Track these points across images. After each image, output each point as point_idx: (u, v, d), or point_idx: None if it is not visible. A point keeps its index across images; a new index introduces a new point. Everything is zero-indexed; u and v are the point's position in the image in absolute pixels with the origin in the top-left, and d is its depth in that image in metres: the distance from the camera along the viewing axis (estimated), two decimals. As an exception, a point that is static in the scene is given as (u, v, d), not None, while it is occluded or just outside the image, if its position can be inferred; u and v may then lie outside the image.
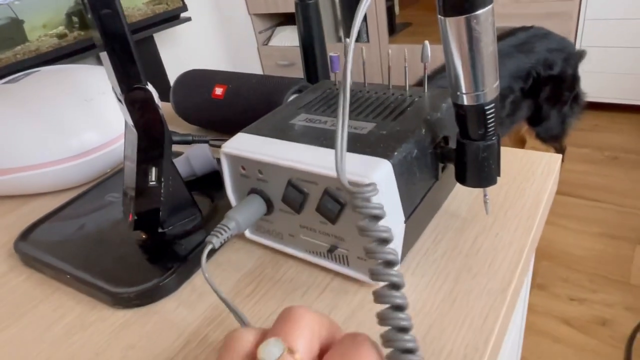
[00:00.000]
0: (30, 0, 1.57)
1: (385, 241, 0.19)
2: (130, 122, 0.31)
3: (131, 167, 0.34)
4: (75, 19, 1.68)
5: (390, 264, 0.19)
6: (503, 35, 1.23)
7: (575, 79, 1.27)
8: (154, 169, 0.33)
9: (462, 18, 0.22)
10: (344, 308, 0.27)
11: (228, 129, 0.48)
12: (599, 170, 1.58)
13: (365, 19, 2.30)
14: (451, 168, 0.31)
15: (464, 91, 0.25)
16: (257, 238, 0.33)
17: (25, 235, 0.38)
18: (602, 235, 1.32)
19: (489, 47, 0.23)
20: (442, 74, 1.21)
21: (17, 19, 1.57)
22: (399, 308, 0.18)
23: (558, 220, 1.40)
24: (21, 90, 0.47)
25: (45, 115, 0.44)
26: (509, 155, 0.39)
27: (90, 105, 0.46)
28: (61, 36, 1.65)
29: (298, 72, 2.55)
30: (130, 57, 0.29)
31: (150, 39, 1.91)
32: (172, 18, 1.90)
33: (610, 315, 1.09)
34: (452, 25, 0.23)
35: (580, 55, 1.27)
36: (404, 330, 0.18)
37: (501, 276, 0.27)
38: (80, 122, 0.45)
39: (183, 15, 1.97)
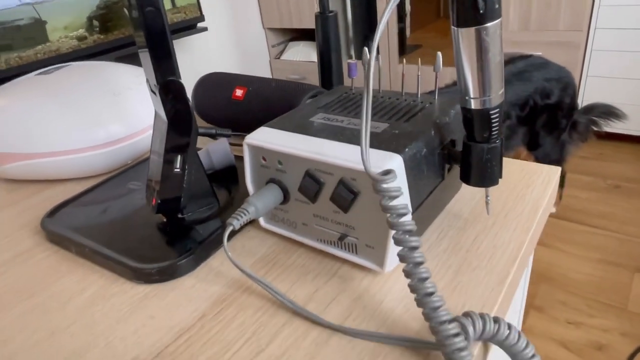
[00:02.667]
0: (55, 3, 1.62)
1: (404, 214, 0.22)
2: (162, 112, 0.34)
3: (156, 160, 0.36)
4: (95, 22, 1.73)
5: (410, 232, 0.21)
6: (504, 63, 1.27)
7: (572, 107, 1.30)
8: (179, 157, 0.35)
9: (473, 29, 0.25)
10: (351, 292, 0.29)
11: (246, 129, 0.51)
12: (601, 198, 1.60)
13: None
14: (456, 170, 0.34)
15: (471, 96, 0.27)
16: (271, 227, 0.35)
17: (52, 213, 0.40)
18: (602, 262, 1.33)
19: (496, 56, 0.26)
20: (448, 89, 1.25)
21: (40, 19, 1.62)
22: (418, 264, 0.20)
23: (559, 244, 1.42)
24: (54, 81, 0.49)
25: (75, 106, 0.47)
26: (511, 165, 0.41)
27: (117, 99, 0.49)
28: (81, 38, 1.70)
29: (308, 86, 2.59)
30: (168, 52, 0.32)
31: (167, 46, 1.95)
32: (189, 27, 1.96)
33: (607, 340, 1.09)
34: (464, 36, 0.25)
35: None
36: (425, 279, 0.20)
37: (499, 270, 0.29)
38: (107, 114, 0.48)
39: (200, 25, 2.02)
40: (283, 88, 0.48)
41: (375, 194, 0.27)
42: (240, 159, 0.46)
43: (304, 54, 2.58)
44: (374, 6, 2.24)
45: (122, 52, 1.75)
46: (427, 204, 0.31)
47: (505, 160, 0.42)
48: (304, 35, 2.68)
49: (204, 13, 2.16)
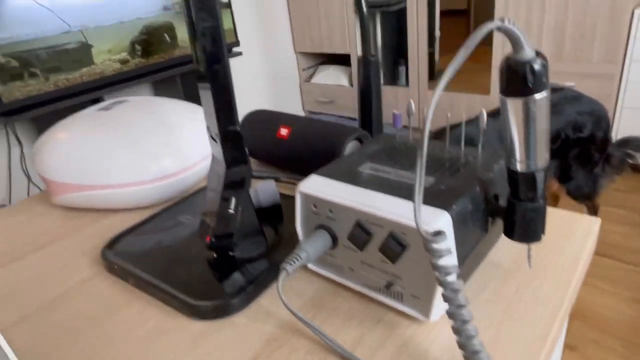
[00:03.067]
0: (101, 27, 1.71)
1: (451, 273, 0.23)
2: (220, 157, 0.37)
3: (213, 197, 0.39)
4: (138, 46, 1.82)
5: (456, 290, 0.23)
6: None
7: (606, 141, 1.29)
8: (233, 199, 0.38)
9: (521, 100, 0.26)
10: (397, 339, 0.31)
11: (290, 166, 0.53)
12: (636, 233, 1.56)
13: (405, 63, 2.38)
14: (498, 222, 0.35)
15: (517, 159, 0.29)
16: (318, 269, 0.37)
17: (111, 245, 0.43)
18: (637, 301, 1.29)
19: (542, 124, 0.27)
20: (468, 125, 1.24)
21: (86, 43, 1.71)
22: (465, 322, 0.22)
23: (593, 280, 1.38)
24: (113, 117, 0.53)
25: (132, 142, 0.51)
26: (551, 215, 0.42)
27: (170, 136, 0.52)
28: (123, 62, 1.78)
29: (337, 109, 2.63)
30: (230, 105, 0.35)
31: (203, 70, 2.02)
32: (226, 52, 2.02)
33: (643, 384, 1.05)
34: (512, 105, 0.27)
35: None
36: (472, 336, 0.21)
37: (542, 324, 0.30)
38: (160, 150, 0.51)
39: (235, 49, 2.10)
40: (326, 129, 0.51)
41: (424, 249, 0.28)
42: (284, 196, 0.48)
43: (334, 77, 2.63)
44: (404, 32, 2.28)
45: (160, 76, 1.83)
46: (471, 257, 0.32)
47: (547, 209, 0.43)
48: (333, 59, 2.74)
49: (239, 38, 2.24)
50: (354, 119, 2.61)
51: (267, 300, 0.36)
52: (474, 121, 1.27)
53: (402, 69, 2.52)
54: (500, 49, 1.96)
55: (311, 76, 2.76)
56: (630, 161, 1.38)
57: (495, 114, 1.24)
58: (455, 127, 1.19)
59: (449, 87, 2.28)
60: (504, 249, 0.38)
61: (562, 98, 1.25)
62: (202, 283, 0.37)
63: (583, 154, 1.27)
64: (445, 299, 0.26)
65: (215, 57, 0.33)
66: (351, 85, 2.56)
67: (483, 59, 2.04)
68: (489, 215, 0.33)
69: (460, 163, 0.35)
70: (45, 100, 1.55)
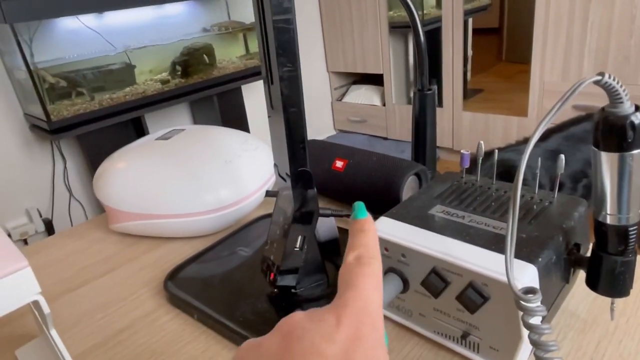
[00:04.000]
0: (144, 49, 1.77)
1: (545, 332, 0.22)
2: (289, 196, 0.37)
3: (276, 237, 0.39)
4: (178, 67, 1.88)
5: (550, 349, 0.22)
6: (579, 120, 1.24)
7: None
8: (300, 237, 0.38)
9: (616, 155, 0.25)
10: (474, 393, 0.30)
11: (345, 199, 0.53)
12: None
13: (438, 82, 2.37)
14: (579, 272, 0.34)
15: (609, 212, 0.27)
16: (387, 313, 0.36)
17: (172, 276, 0.44)
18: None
19: (638, 179, 0.26)
20: (515, 147, 1.22)
21: (130, 64, 1.77)
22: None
23: None
24: (171, 146, 0.54)
25: (190, 172, 0.51)
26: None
27: (228, 166, 0.53)
28: (164, 82, 1.84)
29: (369, 128, 2.63)
30: (303, 148, 0.35)
31: (238, 90, 2.07)
32: (259, 73, 2.06)
33: None
34: (607, 159, 0.26)
35: None
36: None
37: (631, 386, 0.29)
38: (217, 181, 0.52)
39: (271, 70, 2.13)
40: (384, 163, 0.51)
41: (507, 300, 0.27)
42: (341, 230, 0.48)
43: (366, 97, 2.64)
44: (436, 55, 2.27)
45: (198, 96, 1.87)
46: (552, 309, 0.31)
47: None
48: (365, 78, 2.74)
49: (274, 58, 2.27)
50: (385, 138, 2.60)
51: (334, 342, 0.35)
52: (512, 146, 1.25)
53: (434, 88, 2.50)
54: (539, 68, 1.93)
55: (343, 95, 2.78)
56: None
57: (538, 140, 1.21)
58: (489, 153, 1.17)
59: (482, 108, 2.25)
60: (580, 297, 0.37)
61: None
62: (266, 321, 0.37)
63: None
64: (538, 359, 0.25)
65: (292, 101, 0.33)
66: (383, 104, 2.56)
67: (518, 78, 2.01)
68: (571, 266, 0.32)
69: (536, 210, 0.34)
70: (90, 119, 1.61)
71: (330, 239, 0.46)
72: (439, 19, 2.20)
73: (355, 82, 2.83)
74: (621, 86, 0.24)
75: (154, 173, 0.52)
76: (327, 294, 0.39)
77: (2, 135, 1.61)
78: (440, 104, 2.38)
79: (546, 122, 0.24)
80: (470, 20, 2.65)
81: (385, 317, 0.37)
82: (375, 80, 2.64)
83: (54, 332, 0.30)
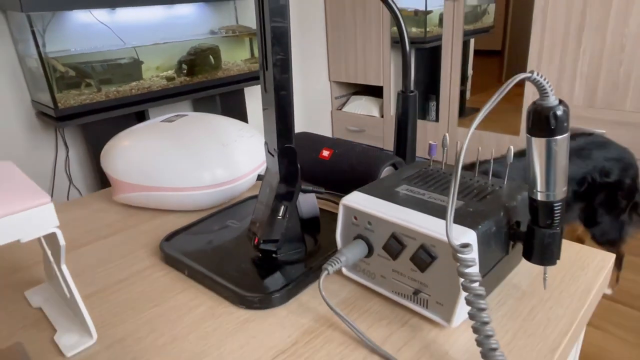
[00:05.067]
0: (152, 46, 1.83)
1: (476, 281, 0.27)
2: (275, 170, 0.42)
3: (262, 207, 0.44)
4: (184, 66, 1.94)
5: (479, 295, 0.27)
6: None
7: (634, 189, 1.30)
8: (283, 207, 0.43)
9: (544, 140, 0.31)
10: (420, 340, 0.35)
11: (329, 185, 0.58)
12: (661, 286, 1.53)
13: (436, 99, 2.44)
14: (518, 246, 0.39)
15: (539, 189, 0.33)
16: (352, 275, 0.41)
17: (168, 239, 0.49)
18: (658, 354, 1.26)
19: (562, 161, 0.32)
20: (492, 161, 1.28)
21: (138, 60, 1.83)
22: (485, 324, 0.26)
23: (612, 328, 1.37)
24: (175, 128, 0.60)
25: (190, 152, 0.57)
26: (569, 248, 0.46)
27: (224, 149, 0.58)
28: (169, 79, 1.90)
29: (366, 139, 2.69)
30: (290, 126, 0.40)
31: (241, 92, 2.13)
32: (265, 76, 2.12)
33: None
34: (537, 143, 0.31)
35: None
36: (490, 336, 0.25)
37: (551, 340, 0.34)
38: (215, 161, 0.57)
39: (274, 75, 2.19)
40: (366, 154, 0.56)
41: (450, 260, 0.33)
42: (322, 211, 0.53)
43: (365, 108, 2.70)
44: (436, 72, 2.34)
45: (201, 94, 1.93)
46: (491, 273, 0.36)
47: (565, 242, 0.46)
48: (366, 90, 2.82)
49: (278, 64, 2.34)
50: (382, 149, 2.66)
51: (305, 298, 0.40)
52: (500, 159, 1.31)
53: (432, 104, 2.57)
54: (532, 93, 2.00)
55: (343, 105, 2.84)
56: (658, 212, 1.38)
57: (522, 155, 1.27)
58: (483, 163, 1.23)
59: (479, 125, 2.31)
60: (524, 273, 0.42)
61: (591, 143, 1.27)
62: (249, 278, 0.42)
63: (609, 199, 1.28)
64: (468, 302, 0.30)
65: (283, 85, 0.39)
66: (381, 116, 2.62)
67: (515, 100, 2.08)
68: (510, 239, 0.37)
69: (487, 191, 0.39)
70: (95, 109, 1.66)
71: (311, 216, 0.51)
72: (440, 37, 2.27)
73: (355, 93, 2.90)
74: (548, 83, 0.30)
75: (157, 150, 0.57)
76: (303, 260, 0.44)
77: (9, 119, 1.66)
78: (437, 119, 2.44)
79: (483, 113, 0.30)
80: (472, 41, 2.73)
81: (352, 280, 0.42)
82: (375, 92, 2.72)
83: (64, 267, 0.35)
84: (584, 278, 0.41)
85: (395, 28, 2.48)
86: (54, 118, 1.57)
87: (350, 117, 2.76)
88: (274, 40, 0.37)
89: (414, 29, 2.55)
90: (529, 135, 0.32)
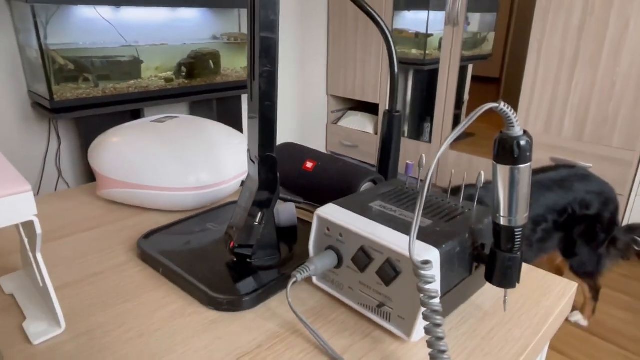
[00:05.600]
0: (153, 46, 1.85)
1: (434, 298, 0.29)
2: (255, 177, 0.43)
3: (241, 212, 0.46)
4: (184, 68, 1.96)
5: (436, 311, 0.28)
6: (546, 169, 1.33)
7: (613, 223, 1.33)
8: (260, 213, 0.44)
9: (508, 167, 0.33)
10: (380, 352, 0.36)
11: (310, 196, 0.60)
12: (637, 321, 1.55)
13: (431, 120, 2.47)
14: (482, 268, 0.40)
15: (502, 214, 0.34)
16: (321, 284, 0.42)
17: (146, 237, 0.50)
18: (629, 388, 1.28)
19: (524, 189, 0.33)
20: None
21: (138, 59, 1.84)
22: (439, 339, 0.27)
23: (585, 360, 1.38)
24: (164, 129, 0.61)
25: (177, 153, 0.58)
26: (534, 273, 0.47)
27: (210, 152, 0.59)
28: (168, 80, 1.91)
29: (359, 154, 2.72)
30: (272, 136, 0.42)
31: (238, 98, 2.15)
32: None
33: None
34: (501, 170, 0.33)
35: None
36: (443, 352, 0.27)
37: (506, 360, 0.35)
38: (200, 164, 0.58)
39: (272, 84, 2.22)
40: (347, 168, 0.58)
41: (413, 276, 0.34)
42: (302, 221, 0.54)
43: (360, 124, 2.73)
44: (433, 94, 2.38)
45: (199, 98, 1.95)
46: (454, 292, 0.37)
47: (529, 267, 0.48)
48: (362, 106, 2.85)
49: (277, 74, 2.37)
50: (373, 165, 2.68)
51: (274, 303, 0.41)
52: (488, 184, 1.33)
53: (427, 125, 2.61)
54: (524, 120, 2.04)
55: (339, 119, 2.87)
56: (636, 248, 1.41)
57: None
58: (469, 186, 1.25)
59: (469, 150, 2.35)
60: (487, 296, 0.43)
61: (573, 175, 1.30)
62: (221, 280, 0.43)
63: (589, 231, 1.31)
64: (425, 317, 0.31)
65: (268, 96, 0.40)
66: (376, 133, 2.65)
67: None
68: (474, 260, 0.39)
69: (457, 213, 0.41)
70: (91, 104, 1.67)
71: (289, 225, 0.52)
72: (439, 61, 2.31)
73: (352, 108, 2.93)
74: (514, 114, 0.31)
75: (144, 148, 0.58)
76: (277, 266, 0.45)
77: (3, 108, 1.66)
78: (430, 140, 2.48)
79: (449, 140, 0.31)
80: (470, 67, 2.78)
81: (321, 289, 0.43)
82: (371, 109, 2.75)
83: (39, 256, 0.36)
84: (545, 303, 0.42)
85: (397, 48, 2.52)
86: (49, 110, 1.57)
87: (345, 132, 2.78)
88: (262, 53, 0.38)
89: (413, 51, 2.59)
90: (495, 162, 0.34)
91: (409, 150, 2.53)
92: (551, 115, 1.97)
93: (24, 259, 0.44)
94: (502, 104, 0.31)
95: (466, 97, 2.86)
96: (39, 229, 0.33)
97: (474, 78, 2.89)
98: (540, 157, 2.00)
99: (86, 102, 1.66)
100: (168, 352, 0.35)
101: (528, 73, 2.00)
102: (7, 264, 0.47)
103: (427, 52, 2.57)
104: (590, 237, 1.31)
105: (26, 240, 0.39)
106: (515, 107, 2.07)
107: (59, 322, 0.37)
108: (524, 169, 0.33)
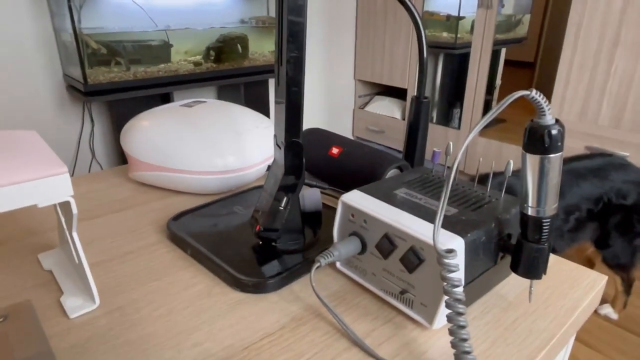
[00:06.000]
0: (183, 30, 1.87)
1: (457, 286, 0.29)
2: (281, 162, 0.44)
3: (266, 196, 0.46)
4: (212, 52, 1.97)
5: (458, 299, 0.28)
6: (581, 157, 1.29)
7: (651, 214, 1.28)
8: (285, 198, 0.45)
9: (538, 157, 0.32)
10: (401, 338, 0.36)
11: (335, 182, 0.60)
12: (670, 316, 1.50)
13: (460, 106, 2.42)
14: (508, 258, 0.40)
15: (530, 205, 0.34)
16: (345, 270, 0.43)
17: (176, 218, 0.51)
18: (659, 384, 1.24)
19: (554, 180, 0.32)
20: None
21: (168, 42, 1.87)
22: (461, 327, 0.27)
23: (614, 354, 1.35)
24: (193, 114, 0.62)
25: (205, 137, 0.59)
26: (562, 265, 0.46)
27: (238, 138, 0.60)
28: (197, 64, 1.93)
29: (386, 140, 2.69)
30: (298, 121, 0.42)
31: (265, 82, 2.16)
32: (290, 69, 2.14)
33: None
34: (530, 160, 0.32)
35: None
36: (465, 340, 0.27)
37: (529, 351, 0.35)
38: (228, 148, 0.59)
39: (299, 68, 2.22)
40: (373, 154, 0.57)
41: (437, 264, 0.34)
42: (326, 207, 0.55)
43: (388, 109, 2.70)
44: (463, 79, 2.32)
45: (227, 82, 1.97)
46: (478, 281, 0.37)
47: (558, 259, 0.47)
48: (389, 91, 2.81)
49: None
50: (399, 152, 2.65)
51: (298, 287, 0.42)
52: (517, 172, 1.30)
53: (456, 111, 2.55)
54: (558, 106, 1.97)
55: (366, 104, 2.85)
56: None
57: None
58: (497, 174, 1.22)
59: (500, 137, 2.29)
60: (512, 286, 0.43)
61: (609, 164, 1.25)
62: (246, 263, 0.44)
63: (624, 222, 1.26)
64: (448, 305, 0.31)
65: (294, 81, 0.40)
66: (403, 119, 2.62)
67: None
68: (500, 250, 0.38)
69: (483, 202, 0.40)
70: (123, 88, 1.71)
71: (314, 211, 0.53)
72: (471, 44, 2.25)
73: (379, 93, 2.89)
74: (545, 102, 0.31)
75: (173, 132, 0.59)
76: (301, 250, 0.46)
77: (40, 91, 1.72)
78: (459, 126, 2.43)
79: (477, 128, 0.31)
80: (503, 51, 2.69)
81: (345, 275, 0.44)
82: (399, 94, 2.71)
83: (75, 235, 0.38)
84: (572, 296, 0.42)
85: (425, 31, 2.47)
86: (83, 93, 1.62)
87: (371, 117, 2.76)
88: (289, 38, 0.38)
89: (444, 34, 2.53)
90: (524, 152, 0.33)
91: (436, 136, 2.49)
92: (587, 101, 1.89)
93: (61, 237, 0.46)
94: (534, 91, 0.30)
95: (498, 82, 2.78)
96: (74, 209, 0.35)
97: (507, 62, 2.79)
98: (575, 146, 1.94)
99: (118, 85, 1.70)
100: (195, 329, 0.37)
101: (564, 57, 1.92)
102: (46, 240, 0.49)
103: (458, 35, 2.50)
104: (625, 228, 1.27)
105: (63, 220, 0.40)
106: (549, 93, 2.00)
107: (94, 298, 0.39)
108: (555, 159, 0.32)
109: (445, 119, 2.63)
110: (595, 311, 1.51)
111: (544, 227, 0.34)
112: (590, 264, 1.56)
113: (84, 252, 0.47)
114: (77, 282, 0.42)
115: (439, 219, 0.31)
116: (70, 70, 1.70)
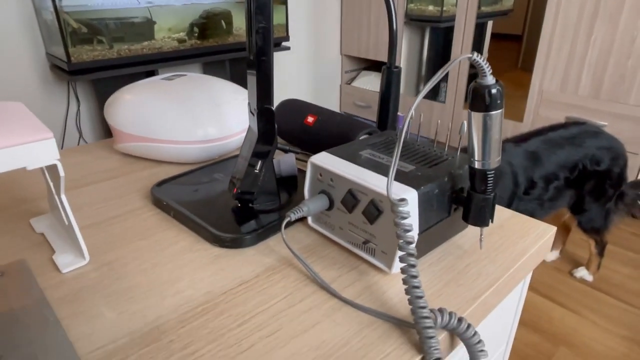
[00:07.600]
0: (165, 7, 1.86)
1: (408, 231, 0.33)
2: (255, 128, 0.47)
3: (242, 161, 0.50)
4: (196, 29, 1.96)
5: (409, 242, 0.32)
6: (555, 127, 1.33)
7: (621, 178, 1.34)
8: (260, 162, 0.48)
9: (481, 114, 0.35)
10: (364, 282, 0.40)
11: (310, 148, 0.63)
12: (642, 277, 1.58)
13: (446, 79, 2.44)
14: (461, 210, 0.44)
15: (476, 159, 0.37)
16: (316, 226, 0.47)
17: (159, 185, 0.55)
18: (628, 339, 1.32)
19: (495, 135, 0.36)
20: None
21: (150, 19, 1.86)
22: (412, 266, 0.31)
23: (587, 313, 1.42)
24: (174, 87, 0.65)
25: (186, 108, 0.62)
26: (515, 219, 0.50)
27: (217, 109, 0.63)
28: (181, 41, 1.93)
29: (372, 114, 2.72)
30: (269, 88, 0.45)
31: (252, 58, 2.15)
32: (275, 45, 2.15)
33: (615, 415, 1.10)
34: (474, 117, 0.36)
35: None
36: (414, 277, 0.31)
37: (477, 290, 0.39)
38: (207, 119, 0.62)
39: (284, 44, 2.22)
40: (346, 122, 0.61)
41: (392, 213, 0.38)
42: (302, 172, 0.58)
43: (374, 84, 2.71)
44: (450, 53, 2.34)
45: (212, 58, 1.97)
46: (432, 230, 0.41)
47: (512, 213, 0.51)
48: (377, 66, 2.82)
49: (289, 34, 2.36)
50: (363, 119, 2.68)
51: (273, 242, 0.46)
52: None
53: (443, 85, 2.58)
54: (540, 77, 2.00)
55: (353, 79, 2.86)
56: (643, 204, 1.41)
57: (519, 141, 1.30)
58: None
59: (483, 109, 2.32)
60: (468, 237, 0.47)
61: (584, 132, 1.30)
62: (225, 222, 0.47)
63: (598, 187, 1.32)
64: (400, 247, 0.35)
65: (263, 51, 0.43)
66: (389, 93, 2.63)
67: (528, 86, 2.08)
68: (453, 202, 0.42)
69: (440, 160, 0.44)
70: (107, 66, 1.71)
71: (290, 175, 0.56)
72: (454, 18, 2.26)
73: (366, 68, 2.90)
74: (486, 64, 0.34)
75: (155, 104, 0.62)
76: (277, 210, 0.50)
77: (24, 71, 1.71)
78: (443, 100, 2.46)
79: (425, 90, 0.34)
80: (489, 23, 2.70)
81: (316, 230, 0.47)
82: (385, 68, 2.72)
83: (64, 197, 0.41)
84: (521, 244, 0.46)
85: (411, 5, 2.47)
86: (67, 72, 1.62)
87: (358, 92, 2.77)
88: (257, 9, 0.41)
89: (430, 7, 2.53)
90: (469, 110, 0.36)
91: (423, 110, 2.52)
92: (568, 72, 1.93)
93: (51, 203, 0.49)
94: (475, 54, 0.34)
95: (485, 55, 2.80)
96: (61, 172, 0.38)
97: (494, 35, 2.81)
98: (556, 116, 1.98)
99: (102, 63, 1.70)
100: (177, 280, 0.40)
101: (545, 29, 1.95)
102: (36, 208, 0.52)
103: (444, 8, 2.51)
104: (599, 193, 1.33)
105: (51, 184, 0.44)
106: (531, 64, 2.03)
107: (84, 254, 0.42)
108: (495, 115, 0.35)
109: (433, 94, 2.65)
110: (571, 274, 1.59)
111: (489, 178, 0.38)
112: (567, 229, 1.63)
113: (74, 217, 0.50)
114: (68, 242, 0.45)
115: (392, 172, 0.35)
116: (53, 49, 1.69)
